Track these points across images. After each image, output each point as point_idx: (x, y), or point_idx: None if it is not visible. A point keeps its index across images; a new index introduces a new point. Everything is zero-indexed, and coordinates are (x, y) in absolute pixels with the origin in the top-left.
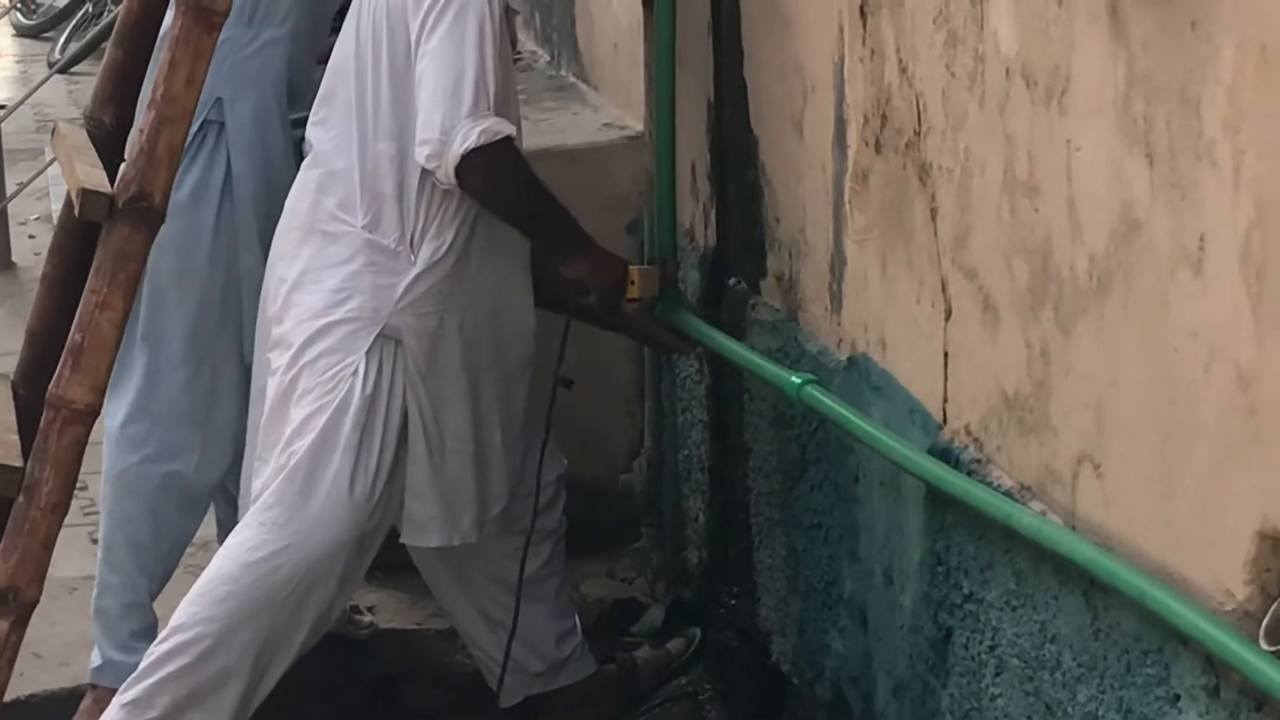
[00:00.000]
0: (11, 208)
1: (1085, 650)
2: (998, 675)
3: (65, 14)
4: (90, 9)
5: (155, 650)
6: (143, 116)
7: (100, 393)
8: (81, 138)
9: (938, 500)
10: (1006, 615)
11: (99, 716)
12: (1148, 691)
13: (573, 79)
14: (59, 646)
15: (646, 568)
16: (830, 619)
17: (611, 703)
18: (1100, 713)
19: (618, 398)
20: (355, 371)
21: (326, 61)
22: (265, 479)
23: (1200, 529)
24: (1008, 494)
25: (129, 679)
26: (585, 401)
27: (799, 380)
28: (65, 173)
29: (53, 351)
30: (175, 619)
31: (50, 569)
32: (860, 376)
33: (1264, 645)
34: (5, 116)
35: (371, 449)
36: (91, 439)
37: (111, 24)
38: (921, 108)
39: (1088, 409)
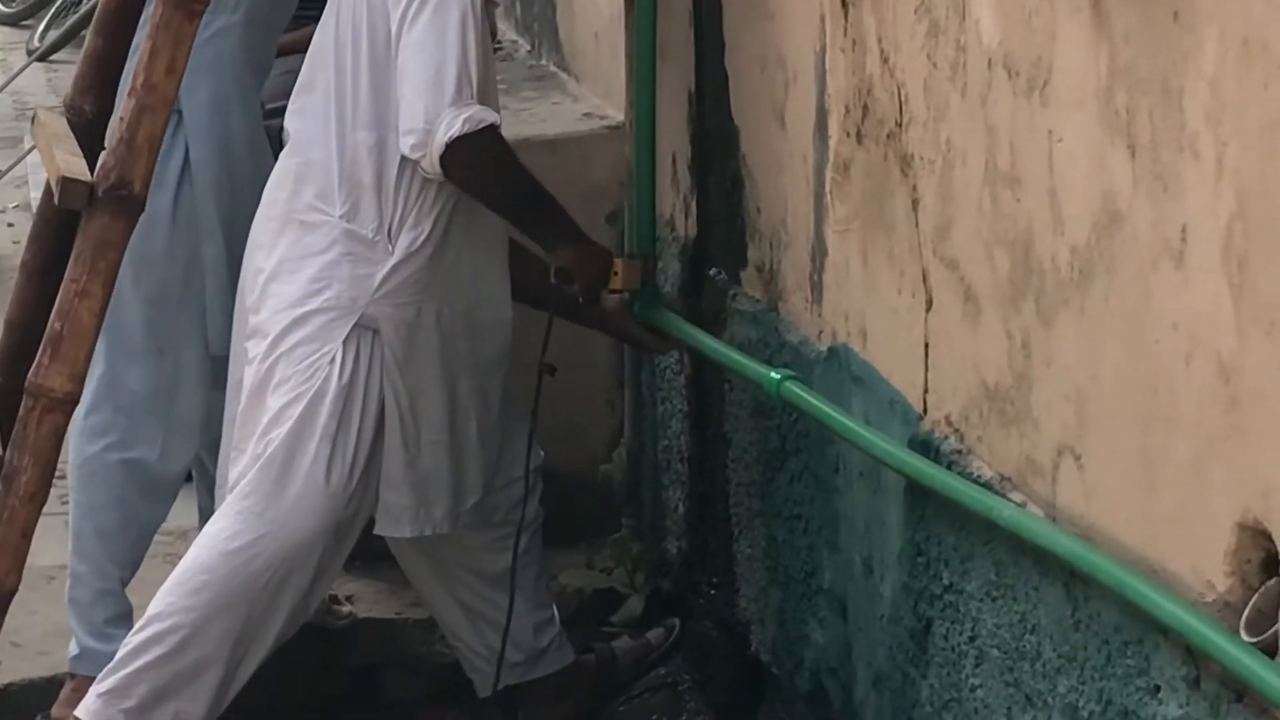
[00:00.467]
0: None
1: (1065, 641)
2: (978, 666)
3: (44, 1)
4: None
5: (132, 639)
6: (123, 104)
7: (80, 381)
8: (61, 125)
9: (918, 491)
10: (986, 606)
11: (77, 705)
12: (1128, 682)
13: (553, 68)
14: (38, 635)
15: (626, 558)
16: (810, 609)
17: (590, 693)
18: (1080, 704)
19: (597, 388)
20: (332, 360)
21: (298, 52)
22: (242, 468)
23: (1181, 520)
24: (988, 485)
25: (106, 668)
26: (565, 392)
27: (778, 376)
28: (45, 161)
29: (32, 340)
30: (152, 608)
31: (29, 558)
32: (841, 367)
33: (1245, 636)
34: None
35: (348, 438)
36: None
37: (90, 12)
38: (903, 98)
39: (1068, 400)
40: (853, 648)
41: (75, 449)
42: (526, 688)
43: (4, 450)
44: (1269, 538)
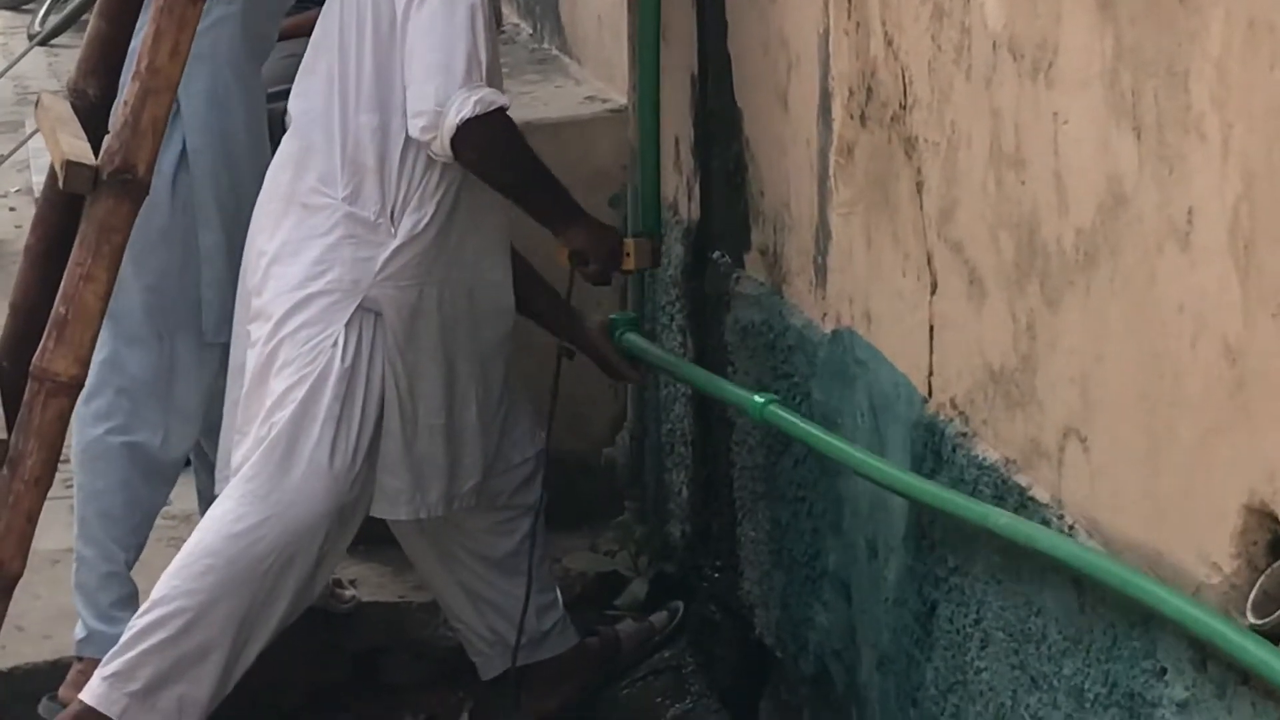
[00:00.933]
0: None
1: (1071, 623)
2: (983, 649)
3: None
4: None
5: (136, 623)
6: (127, 88)
7: (84, 365)
8: (65, 109)
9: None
10: (992, 588)
11: (83, 687)
12: (1134, 665)
13: (555, 52)
14: (42, 619)
15: (629, 541)
16: (814, 592)
17: (594, 675)
18: (1086, 686)
19: (600, 372)
20: (335, 343)
21: (301, 35)
22: (245, 451)
23: (1187, 502)
24: (993, 468)
25: (110, 652)
26: (568, 375)
27: (762, 400)
28: (49, 144)
29: (36, 324)
30: (156, 592)
31: (33, 541)
32: (845, 351)
33: (1250, 618)
34: None
35: (352, 420)
36: None
37: None
38: (907, 81)
39: (1074, 383)
40: (857, 631)
41: (79, 433)
42: (530, 670)
43: (9, 434)
44: (1275, 520)
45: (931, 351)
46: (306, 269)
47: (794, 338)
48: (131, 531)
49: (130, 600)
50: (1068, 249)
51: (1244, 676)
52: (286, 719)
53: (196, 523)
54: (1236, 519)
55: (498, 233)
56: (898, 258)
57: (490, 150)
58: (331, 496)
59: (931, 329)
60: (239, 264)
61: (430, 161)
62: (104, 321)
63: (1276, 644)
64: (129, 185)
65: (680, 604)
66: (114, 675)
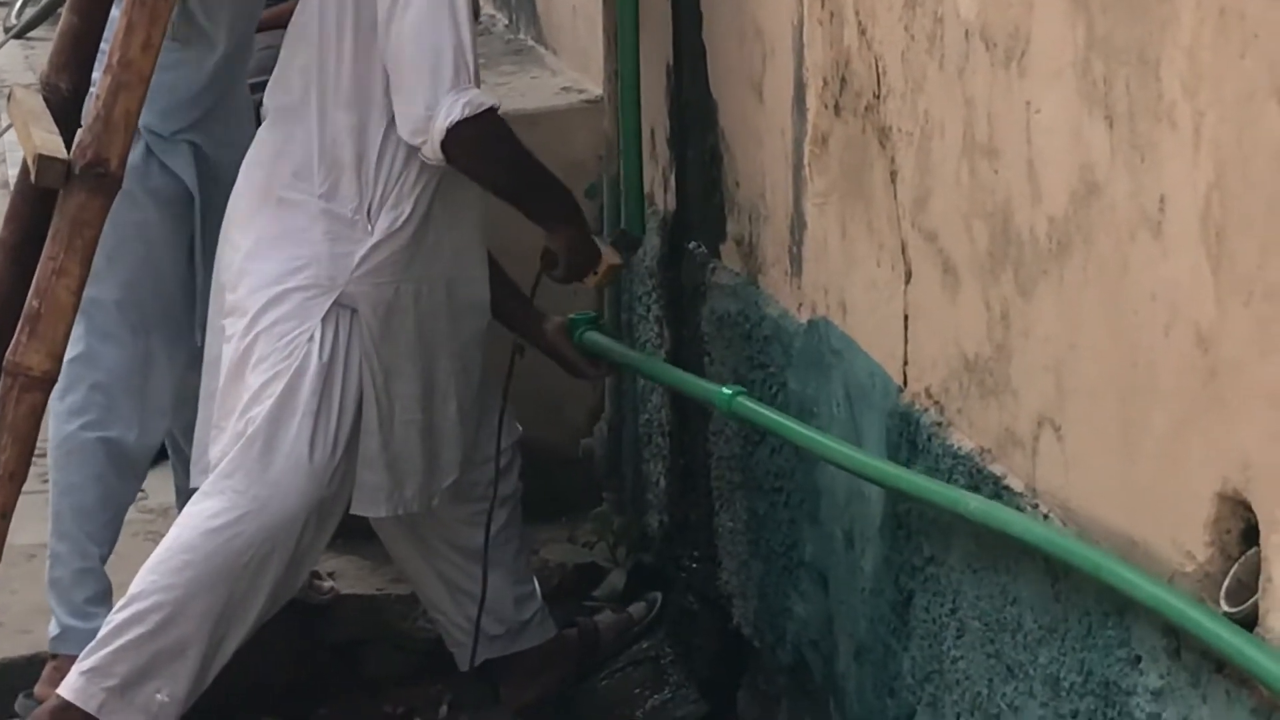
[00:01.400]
0: None
1: (1046, 612)
2: (959, 638)
3: None
4: None
5: (114, 618)
6: (99, 81)
7: (58, 360)
8: (38, 103)
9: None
10: (968, 578)
11: (59, 684)
12: (1109, 653)
13: (531, 42)
14: (19, 614)
15: (607, 532)
16: (791, 582)
17: (572, 666)
18: (1061, 674)
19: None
20: (311, 338)
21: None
22: (223, 446)
23: (1160, 491)
24: (968, 457)
25: (88, 646)
26: (545, 366)
27: (729, 392)
28: (21, 138)
29: (9, 318)
30: (134, 587)
31: (9, 536)
32: (820, 340)
33: (1225, 607)
34: None
35: (330, 416)
36: None
37: None
38: (881, 70)
39: (1048, 371)
40: (834, 620)
41: (53, 429)
42: (508, 661)
43: None
44: (1248, 508)
45: (906, 341)
46: (283, 264)
47: (770, 328)
48: (105, 526)
49: (105, 596)
50: (1041, 238)
51: (1218, 665)
52: (265, 712)
53: (174, 517)
54: (1210, 507)
55: (475, 228)
56: (872, 247)
57: (481, 152)
58: (310, 492)
59: (906, 318)
60: None
61: (408, 159)
62: (79, 317)
63: (1250, 632)
64: (101, 179)
65: (658, 595)
66: (91, 670)
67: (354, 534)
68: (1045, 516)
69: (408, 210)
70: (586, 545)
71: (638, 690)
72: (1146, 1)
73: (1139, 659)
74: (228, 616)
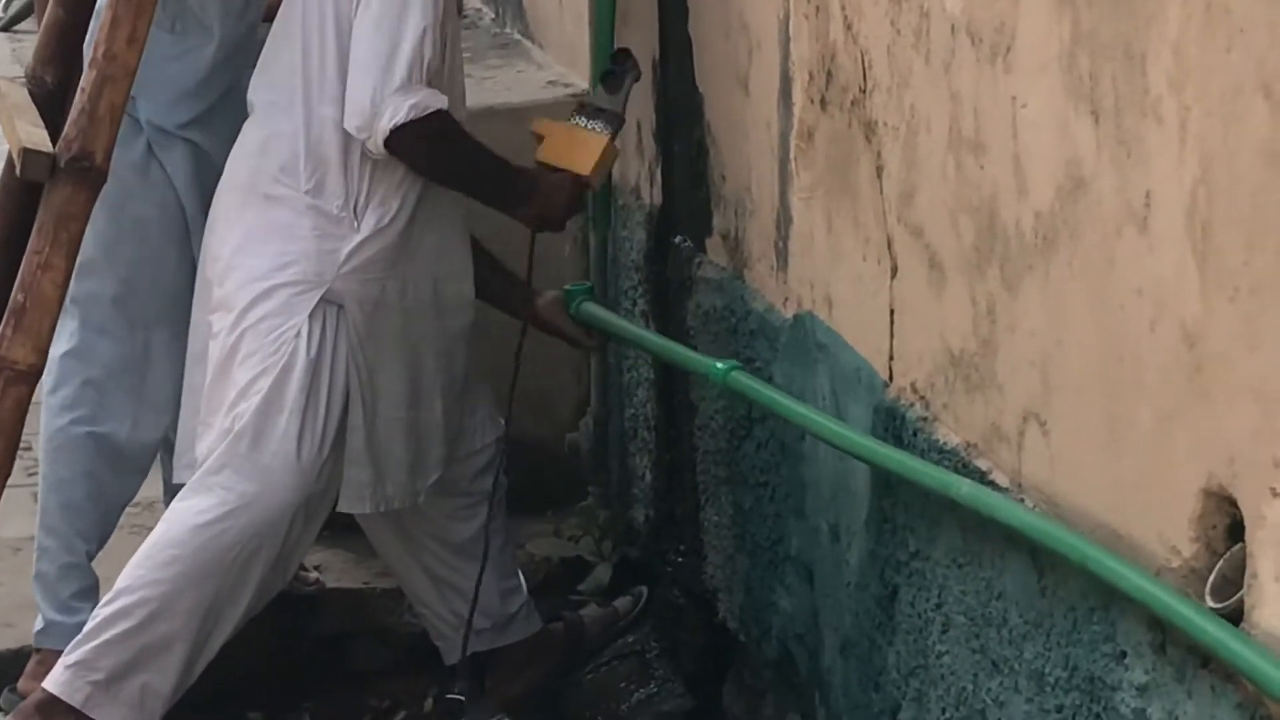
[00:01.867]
0: None
1: (1032, 607)
2: (944, 633)
3: None
4: None
5: (100, 612)
6: (84, 75)
7: (43, 353)
8: (23, 96)
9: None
10: (953, 573)
11: (44, 679)
12: (1094, 648)
13: (517, 36)
14: (4, 607)
15: (593, 526)
16: (777, 577)
17: (558, 660)
18: (1047, 670)
19: (564, 357)
20: (298, 334)
21: (267, 20)
22: (210, 442)
23: (1146, 486)
24: (954, 452)
25: (74, 641)
26: (531, 361)
27: (723, 367)
28: (6, 132)
29: None
30: (121, 581)
31: None
32: (806, 334)
33: (1210, 602)
34: None
35: (317, 412)
36: (36, 399)
37: None
38: (867, 65)
39: (1033, 367)
40: (820, 615)
41: (44, 423)
42: (494, 655)
43: None
44: (1234, 504)
45: (892, 336)
46: (271, 260)
47: (756, 322)
48: (95, 523)
49: (91, 592)
50: (1027, 233)
51: (1204, 660)
52: (251, 707)
53: (161, 512)
54: (1195, 503)
55: (459, 225)
56: (858, 242)
57: (424, 153)
58: (298, 487)
59: (892, 313)
60: None
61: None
62: (73, 311)
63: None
64: (87, 173)
65: (644, 589)
66: (77, 664)
67: (340, 528)
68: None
69: (394, 208)
70: (572, 539)
71: (623, 684)
72: None
73: (1124, 654)
74: (214, 612)
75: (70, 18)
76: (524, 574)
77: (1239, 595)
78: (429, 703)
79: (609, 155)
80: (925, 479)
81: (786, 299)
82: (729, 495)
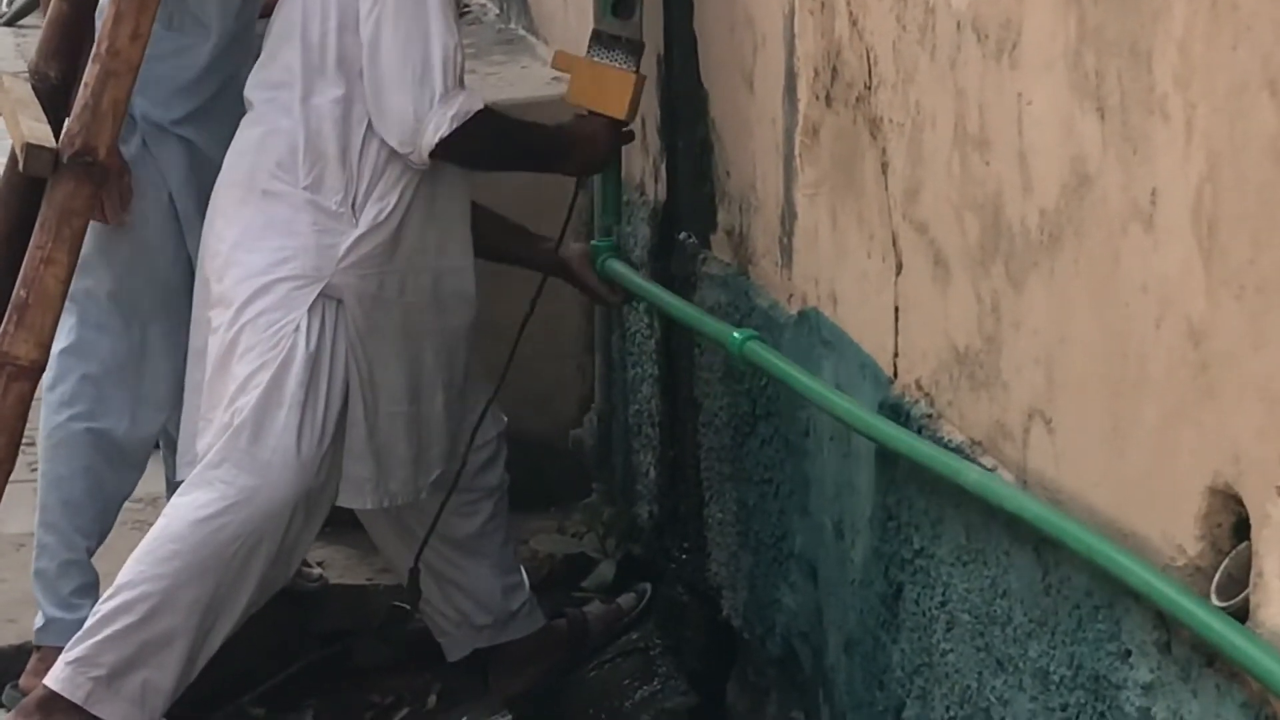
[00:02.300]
0: None
1: (1036, 605)
2: (949, 631)
3: None
4: None
5: (101, 608)
6: (87, 70)
7: (45, 349)
8: (26, 91)
9: (888, 455)
10: (957, 570)
11: (45, 675)
12: (1099, 647)
13: (522, 32)
14: (6, 603)
15: (597, 523)
16: (781, 574)
17: (561, 657)
18: (1051, 668)
19: (567, 353)
20: (297, 329)
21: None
22: (210, 437)
23: (1151, 484)
24: (958, 449)
25: (75, 636)
26: (535, 357)
27: (740, 336)
28: (9, 127)
29: None
30: (121, 577)
31: None
32: (811, 331)
33: (1215, 601)
34: None
35: (317, 406)
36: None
37: None
38: (872, 61)
39: (1038, 364)
40: (823, 612)
41: (43, 419)
42: (497, 652)
43: None
44: (1239, 502)
45: (897, 333)
46: (269, 255)
47: (760, 318)
48: (94, 519)
49: (91, 588)
50: (1032, 230)
51: (1209, 659)
52: (253, 702)
53: (163, 507)
54: (1201, 501)
55: (460, 219)
56: (863, 239)
57: (471, 154)
58: (298, 482)
59: (897, 310)
60: None
61: (392, 152)
62: (71, 308)
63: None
64: (90, 168)
65: (648, 586)
66: (78, 660)
67: (342, 524)
68: None
69: (392, 202)
70: (576, 536)
71: (627, 681)
72: None
73: (1129, 653)
74: (215, 607)
75: (74, 12)
76: (527, 570)
77: (1244, 594)
78: (431, 699)
79: (638, 89)
80: (933, 463)
81: (791, 295)
82: (733, 492)
